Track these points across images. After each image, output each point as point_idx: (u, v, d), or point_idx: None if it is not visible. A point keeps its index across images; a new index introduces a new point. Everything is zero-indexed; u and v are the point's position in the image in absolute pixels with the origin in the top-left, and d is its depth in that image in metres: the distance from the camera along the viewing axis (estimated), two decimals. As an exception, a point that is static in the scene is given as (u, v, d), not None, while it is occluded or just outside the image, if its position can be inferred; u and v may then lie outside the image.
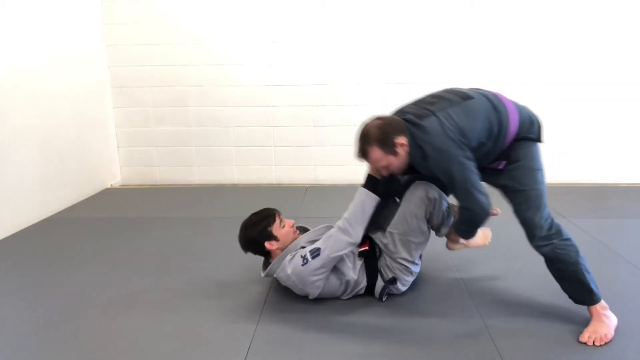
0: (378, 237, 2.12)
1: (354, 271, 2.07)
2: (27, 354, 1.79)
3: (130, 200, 3.98)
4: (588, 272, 1.84)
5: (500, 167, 1.90)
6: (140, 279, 2.41)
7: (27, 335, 1.91)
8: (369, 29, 4.14)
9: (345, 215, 1.99)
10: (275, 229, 2.08)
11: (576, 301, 1.88)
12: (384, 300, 2.11)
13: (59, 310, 2.10)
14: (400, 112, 1.94)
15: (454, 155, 1.76)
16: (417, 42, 4.14)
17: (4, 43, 3.10)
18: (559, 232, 1.84)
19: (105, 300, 2.19)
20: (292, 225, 2.16)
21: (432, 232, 2.12)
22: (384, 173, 1.97)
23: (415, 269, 2.11)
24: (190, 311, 2.07)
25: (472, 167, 1.80)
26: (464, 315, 1.84)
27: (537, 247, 1.86)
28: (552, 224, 1.85)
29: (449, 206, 2.08)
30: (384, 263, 2.09)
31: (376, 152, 1.85)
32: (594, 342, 1.75)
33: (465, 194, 1.82)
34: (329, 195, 4.01)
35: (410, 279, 2.12)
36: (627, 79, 4.11)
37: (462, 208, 1.88)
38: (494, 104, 1.85)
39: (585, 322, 1.86)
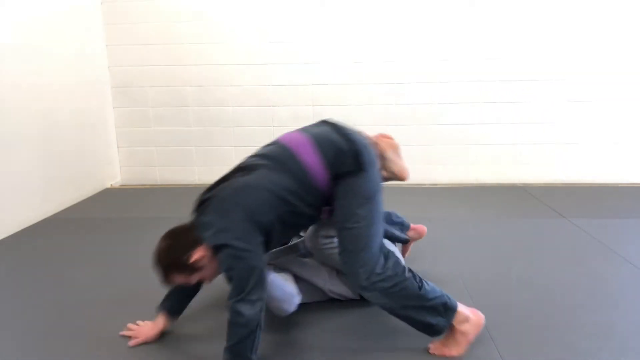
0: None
1: (323, 280, 2.06)
2: (27, 353, 1.79)
3: (130, 200, 3.97)
4: (422, 308, 1.65)
5: (325, 216, 1.76)
6: (140, 279, 2.41)
7: (26, 335, 1.91)
8: (369, 29, 4.14)
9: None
10: None
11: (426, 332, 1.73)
12: None
13: (58, 310, 2.10)
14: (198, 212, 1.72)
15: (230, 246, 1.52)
16: (417, 42, 4.14)
17: (3, 43, 3.11)
18: (387, 278, 1.63)
19: (105, 300, 2.19)
20: None
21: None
22: (207, 282, 1.76)
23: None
24: (189, 311, 2.06)
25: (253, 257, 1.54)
26: (464, 315, 1.85)
27: (363, 292, 1.67)
28: (381, 267, 1.64)
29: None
30: None
31: (178, 278, 1.66)
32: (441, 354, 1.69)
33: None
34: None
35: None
36: (628, 79, 4.11)
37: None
38: (277, 169, 1.65)
39: (586, 323, 1.86)
